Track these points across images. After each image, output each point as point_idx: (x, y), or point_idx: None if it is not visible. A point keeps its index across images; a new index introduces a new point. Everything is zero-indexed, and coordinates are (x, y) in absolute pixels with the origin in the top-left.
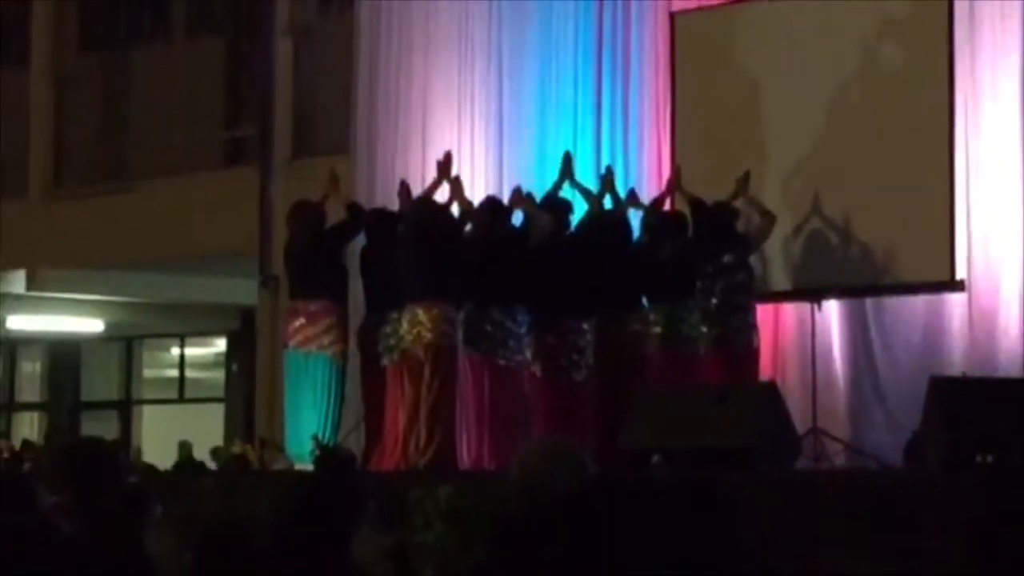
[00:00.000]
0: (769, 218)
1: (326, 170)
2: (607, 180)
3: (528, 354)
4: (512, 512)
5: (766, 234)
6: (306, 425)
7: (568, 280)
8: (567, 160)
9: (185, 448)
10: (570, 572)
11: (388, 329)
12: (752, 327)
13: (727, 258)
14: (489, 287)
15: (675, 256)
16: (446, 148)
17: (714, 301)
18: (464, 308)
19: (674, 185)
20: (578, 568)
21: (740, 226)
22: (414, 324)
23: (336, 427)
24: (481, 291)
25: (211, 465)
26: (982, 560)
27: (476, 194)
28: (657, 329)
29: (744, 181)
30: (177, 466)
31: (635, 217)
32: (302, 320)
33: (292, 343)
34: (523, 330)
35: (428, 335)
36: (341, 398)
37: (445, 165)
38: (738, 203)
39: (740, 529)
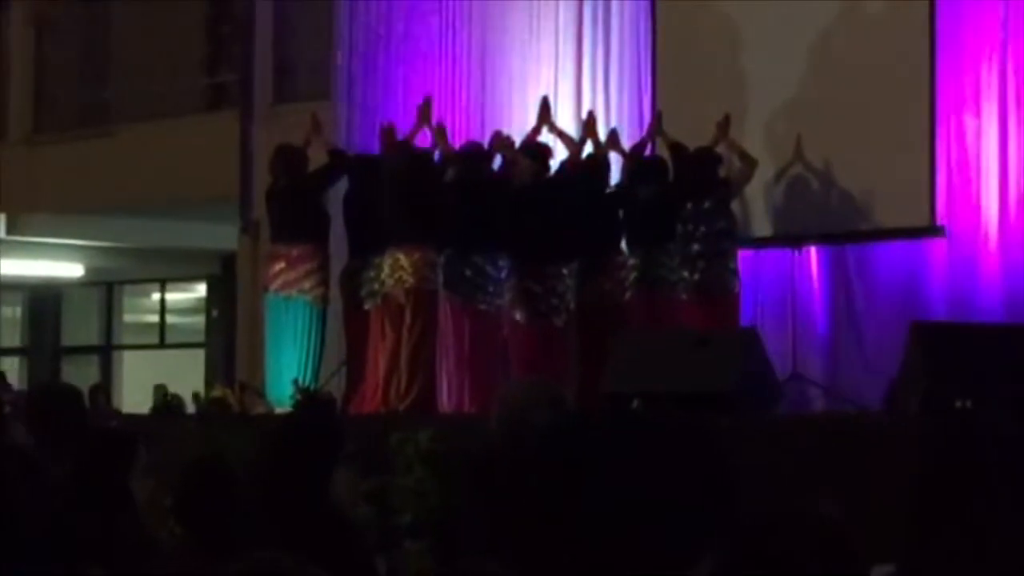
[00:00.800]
0: (749, 162)
1: (307, 116)
2: (589, 125)
3: (508, 299)
4: (493, 449)
5: (747, 178)
6: (287, 369)
7: (548, 225)
8: (544, 105)
9: (160, 391)
10: (549, 509)
11: (371, 273)
12: (733, 272)
13: (708, 203)
14: (469, 232)
15: (654, 200)
16: (427, 94)
17: (695, 247)
18: (444, 253)
19: (655, 130)
20: (557, 506)
21: (722, 171)
22: (395, 268)
23: (317, 371)
24: (461, 236)
25: (191, 409)
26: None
27: (457, 138)
28: (635, 274)
29: (724, 125)
30: (154, 410)
31: (616, 161)
32: (283, 264)
33: (273, 287)
34: (503, 275)
35: (409, 279)
36: (322, 342)
37: (425, 109)
38: (719, 148)
39: (723, 467)
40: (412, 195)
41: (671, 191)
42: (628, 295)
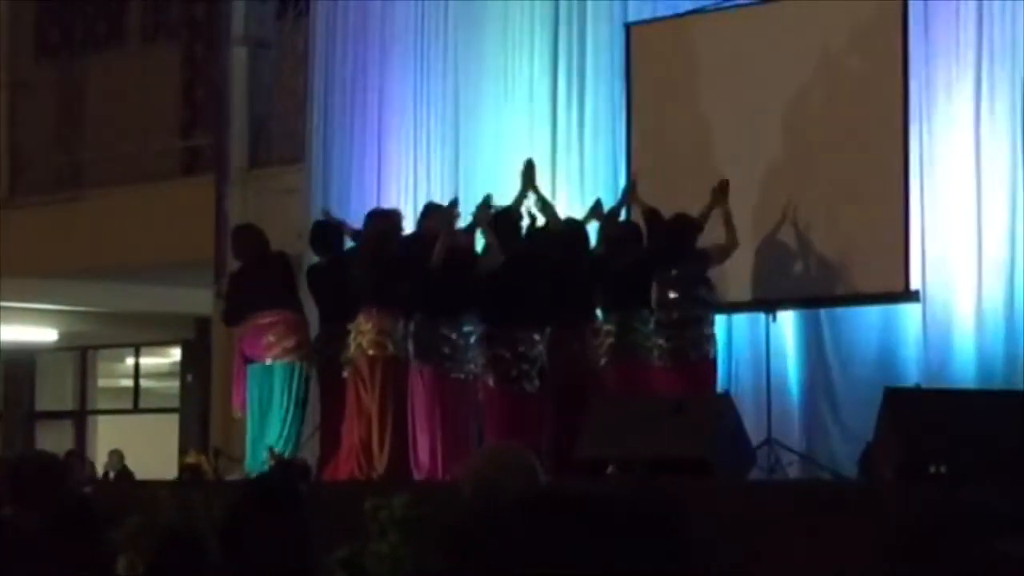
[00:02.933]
0: (732, 238)
1: (281, 179)
2: (596, 213)
3: (479, 364)
4: (464, 519)
5: (726, 254)
6: (271, 438)
7: (520, 291)
8: (529, 167)
9: (116, 457)
10: None
11: (347, 340)
12: (710, 339)
13: (684, 270)
14: (439, 297)
15: (629, 266)
16: (402, 158)
17: (673, 314)
18: (414, 319)
19: (631, 196)
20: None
21: (700, 239)
22: (358, 333)
23: (298, 438)
24: (430, 302)
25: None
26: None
27: (432, 199)
28: (611, 340)
29: (721, 191)
30: (117, 476)
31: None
32: (262, 333)
33: (269, 357)
34: (473, 340)
35: (367, 346)
36: (304, 408)
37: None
38: (712, 213)
39: (690, 538)
40: (380, 259)
41: (646, 258)
42: (603, 361)
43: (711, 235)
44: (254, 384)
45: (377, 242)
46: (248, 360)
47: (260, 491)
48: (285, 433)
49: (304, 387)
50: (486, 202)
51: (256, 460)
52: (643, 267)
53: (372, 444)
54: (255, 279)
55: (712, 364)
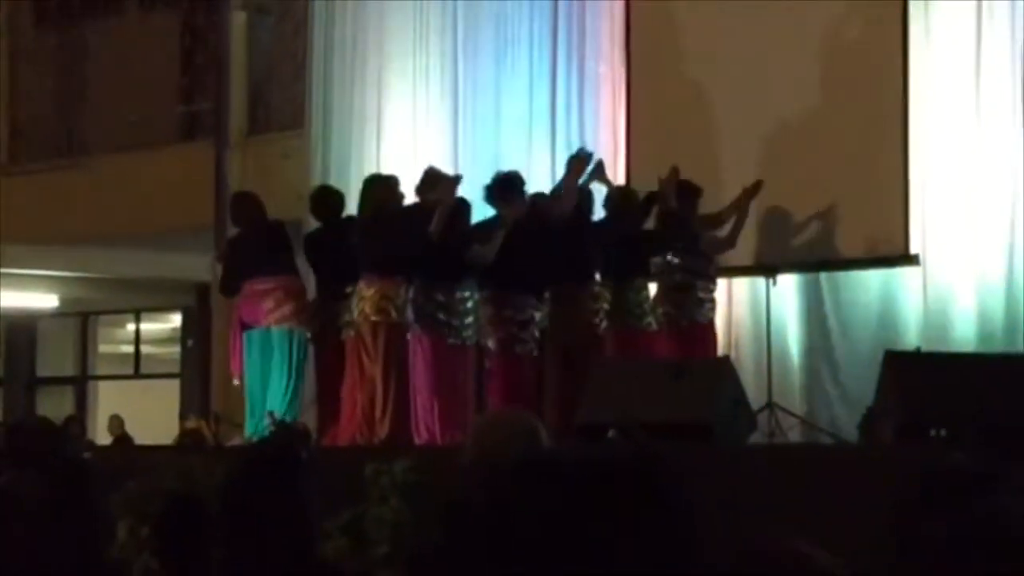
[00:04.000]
0: (731, 240)
1: (281, 145)
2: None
3: (477, 330)
4: (465, 484)
5: (718, 250)
6: (272, 404)
7: (521, 257)
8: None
9: (116, 422)
10: (521, 545)
11: (345, 304)
12: (710, 303)
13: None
14: (439, 263)
15: (631, 234)
16: (402, 123)
17: (676, 278)
18: (413, 285)
19: (599, 176)
20: (529, 541)
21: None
22: (360, 299)
23: (299, 403)
24: (428, 268)
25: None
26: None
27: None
28: (608, 305)
29: (752, 192)
30: (117, 441)
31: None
32: (261, 298)
33: (267, 322)
34: (470, 305)
35: (369, 312)
36: (302, 374)
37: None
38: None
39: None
40: (381, 225)
41: (645, 237)
42: (603, 326)
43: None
44: (254, 350)
45: (378, 208)
46: (245, 326)
47: (259, 456)
48: (287, 399)
49: (303, 353)
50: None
51: (257, 426)
52: (645, 235)
53: (375, 410)
54: (252, 246)
55: (712, 328)
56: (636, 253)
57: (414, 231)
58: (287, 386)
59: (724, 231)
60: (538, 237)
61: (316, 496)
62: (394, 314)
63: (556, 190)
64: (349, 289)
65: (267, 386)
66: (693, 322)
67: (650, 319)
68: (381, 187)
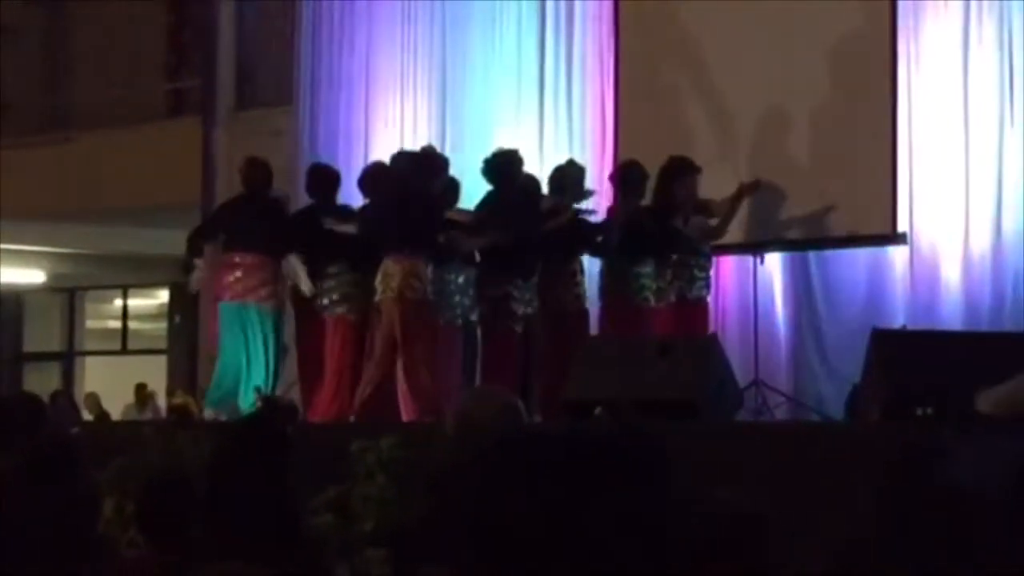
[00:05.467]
0: (720, 231)
1: (268, 122)
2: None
3: (465, 308)
4: (447, 459)
5: (706, 239)
6: (244, 378)
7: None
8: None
9: (92, 399)
10: (506, 519)
11: (331, 283)
12: (705, 280)
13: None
14: (427, 242)
15: (628, 216)
16: (389, 100)
17: (673, 257)
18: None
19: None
20: (514, 517)
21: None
22: (385, 277)
23: (276, 381)
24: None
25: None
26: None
27: (419, 142)
28: (606, 281)
29: (751, 189)
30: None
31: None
32: (238, 273)
33: (228, 296)
34: (461, 281)
35: (399, 289)
36: (281, 350)
37: None
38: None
39: (673, 480)
40: (408, 206)
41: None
42: (599, 303)
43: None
44: (221, 322)
45: (402, 187)
46: (217, 298)
47: (245, 433)
48: (270, 378)
49: (273, 330)
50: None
51: (234, 399)
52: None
53: (398, 387)
54: (238, 216)
55: (706, 305)
56: (636, 231)
57: (437, 212)
58: (268, 365)
59: (712, 221)
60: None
61: (302, 472)
62: (420, 291)
63: (551, 208)
64: (333, 269)
65: (235, 360)
66: (693, 298)
67: (648, 294)
68: (409, 162)
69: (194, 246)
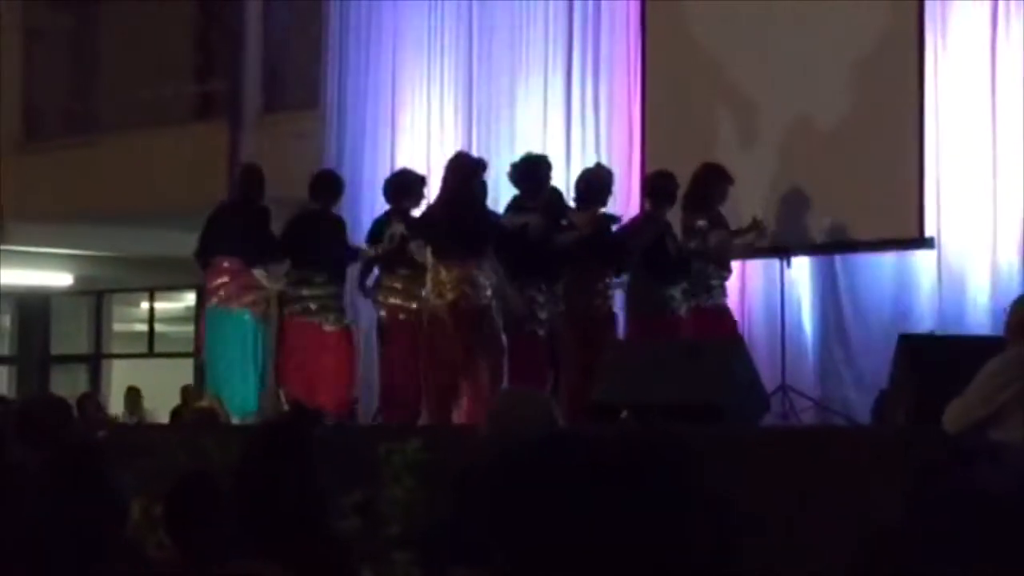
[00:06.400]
0: (732, 257)
1: (296, 125)
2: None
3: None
4: (481, 461)
5: (723, 254)
6: (236, 382)
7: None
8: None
9: (133, 396)
10: (537, 522)
11: (315, 291)
12: (723, 288)
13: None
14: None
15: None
16: (416, 103)
17: (695, 265)
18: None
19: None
20: (545, 519)
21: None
22: (436, 283)
23: (264, 386)
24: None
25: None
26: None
27: (445, 150)
28: (627, 291)
29: (754, 227)
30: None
31: None
32: (226, 278)
33: (214, 300)
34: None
35: (449, 295)
36: (266, 354)
37: None
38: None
39: (704, 484)
40: (461, 213)
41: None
42: (622, 312)
43: None
44: (209, 326)
45: (455, 191)
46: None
47: (272, 435)
48: (258, 382)
49: (267, 336)
50: None
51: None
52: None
53: (455, 391)
54: (227, 222)
55: (728, 311)
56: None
57: (488, 218)
58: (253, 367)
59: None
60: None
61: (328, 475)
62: (475, 297)
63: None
64: (319, 278)
65: (221, 364)
66: (716, 306)
67: (675, 306)
68: (469, 166)
69: (201, 261)
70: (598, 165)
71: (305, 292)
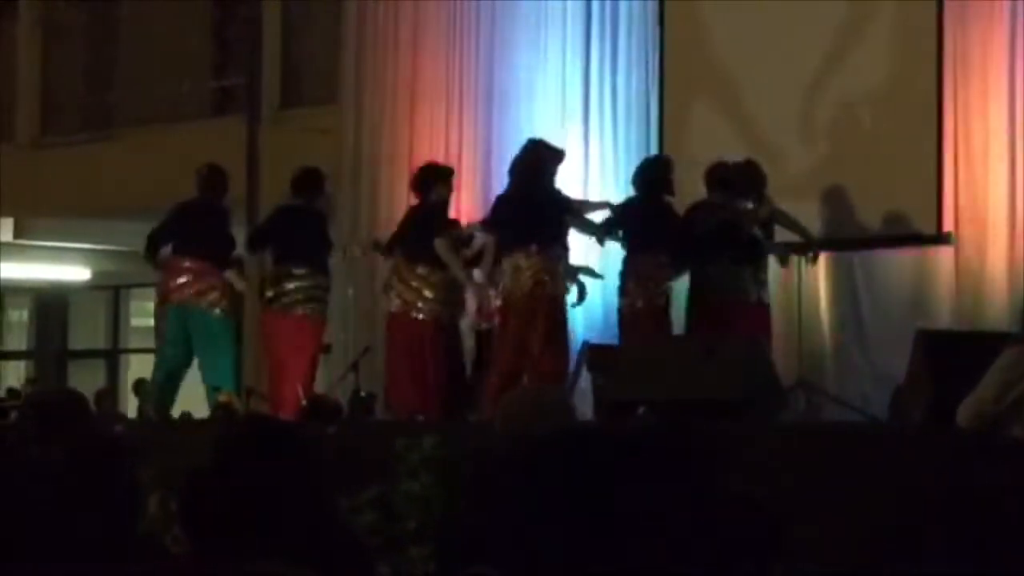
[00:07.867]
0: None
1: (313, 120)
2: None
3: None
4: (497, 456)
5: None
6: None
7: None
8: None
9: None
10: (553, 518)
11: (300, 283)
12: (764, 283)
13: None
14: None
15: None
16: (434, 99)
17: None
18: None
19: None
20: (561, 514)
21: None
22: (515, 271)
23: (239, 381)
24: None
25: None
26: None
27: (465, 145)
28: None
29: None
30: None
31: None
32: (188, 277)
33: (175, 299)
34: None
35: (530, 283)
36: (238, 351)
37: None
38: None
39: (721, 480)
40: (535, 201)
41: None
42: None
43: None
44: (167, 324)
45: (529, 182)
46: (162, 298)
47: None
48: (236, 379)
49: (230, 335)
50: None
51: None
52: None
53: (519, 378)
54: (189, 220)
55: (768, 308)
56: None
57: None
58: (232, 366)
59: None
60: None
61: (344, 470)
62: (551, 285)
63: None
64: (299, 271)
65: (174, 362)
66: (758, 301)
67: (743, 295)
68: (549, 153)
69: (150, 255)
70: (748, 161)
71: (288, 286)
